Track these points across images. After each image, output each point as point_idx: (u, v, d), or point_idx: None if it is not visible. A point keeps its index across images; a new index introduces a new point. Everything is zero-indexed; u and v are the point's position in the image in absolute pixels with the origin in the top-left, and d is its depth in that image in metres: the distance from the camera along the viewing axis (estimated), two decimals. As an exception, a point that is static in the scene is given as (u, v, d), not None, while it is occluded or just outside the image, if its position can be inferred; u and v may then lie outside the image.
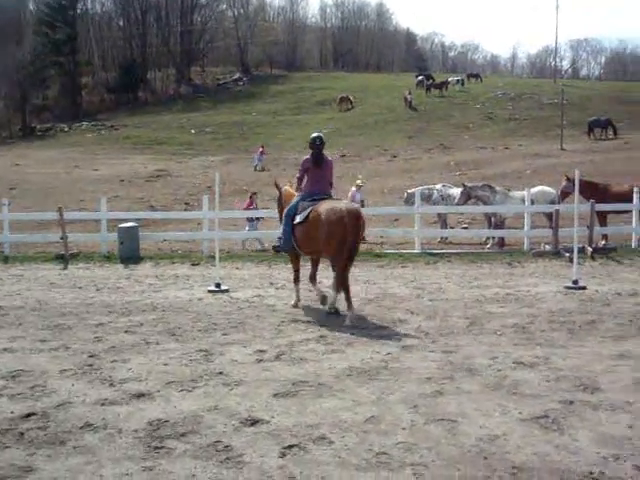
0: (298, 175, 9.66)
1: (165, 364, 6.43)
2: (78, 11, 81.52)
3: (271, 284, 11.67)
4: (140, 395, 5.49)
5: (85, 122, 63.21)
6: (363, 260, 14.37)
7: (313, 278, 9.79)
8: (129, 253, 14.90)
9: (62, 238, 15.35)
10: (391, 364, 6.40)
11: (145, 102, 72.93)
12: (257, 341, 7.35)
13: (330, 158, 9.86)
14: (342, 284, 8.65)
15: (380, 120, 50.44)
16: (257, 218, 17.69)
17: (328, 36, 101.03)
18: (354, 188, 18.27)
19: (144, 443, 4.55)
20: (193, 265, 14.27)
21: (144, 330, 7.98)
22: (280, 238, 9.67)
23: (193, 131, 53.21)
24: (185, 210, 23.37)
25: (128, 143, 50.04)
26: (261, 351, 6.89)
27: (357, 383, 5.83)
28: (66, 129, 61.60)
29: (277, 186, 10.66)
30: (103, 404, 5.29)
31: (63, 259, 14.91)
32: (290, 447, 4.50)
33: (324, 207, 8.64)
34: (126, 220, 16.18)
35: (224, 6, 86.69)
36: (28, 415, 5.08)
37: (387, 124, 49.20)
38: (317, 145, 9.45)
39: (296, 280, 9.79)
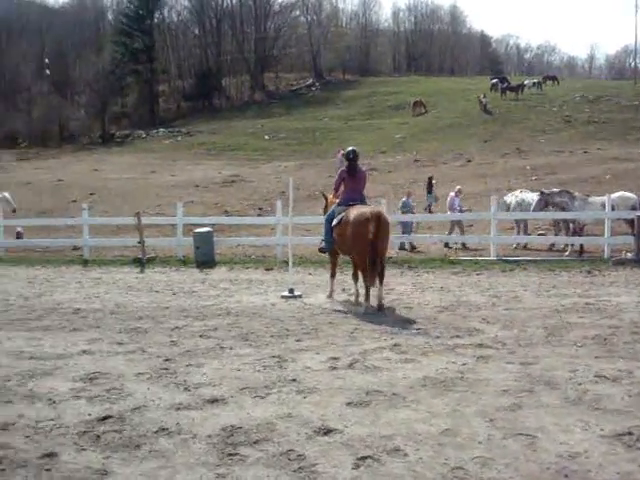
0: (335, 185, 10.90)
1: (239, 369, 6.44)
2: (155, 20, 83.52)
3: (343, 290, 11.61)
4: (214, 400, 5.50)
5: (162, 129, 64.69)
6: (437, 267, 14.19)
7: (355, 276, 10.39)
8: (204, 258, 15.13)
9: (139, 242, 15.72)
10: (467, 375, 6.24)
11: (220, 109, 74.10)
12: (330, 348, 7.29)
13: (364, 169, 11.13)
14: (379, 276, 9.65)
15: (454, 124, 49.84)
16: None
17: (401, 40, 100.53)
18: (452, 193, 18.05)
19: (218, 449, 4.54)
20: (267, 270, 14.37)
21: (218, 335, 8.03)
22: (323, 240, 10.88)
23: (267, 137, 53.73)
24: (258, 215, 23.60)
25: (203, 149, 50.92)
26: (334, 358, 6.82)
27: (432, 394, 5.69)
28: (143, 136, 63.16)
29: (324, 195, 12.23)
30: (178, 408, 5.32)
31: (140, 263, 15.26)
32: (364, 458, 4.41)
33: (353, 212, 9.77)
34: (201, 225, 16.44)
35: (297, 13, 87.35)
36: (105, 418, 5.14)
37: (461, 128, 48.56)
38: (351, 158, 10.59)
39: (333, 275, 11.15)
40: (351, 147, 11.00)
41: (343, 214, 9.97)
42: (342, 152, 37.49)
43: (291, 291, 10.94)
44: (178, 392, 5.76)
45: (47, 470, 4.23)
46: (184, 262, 15.39)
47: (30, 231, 22.15)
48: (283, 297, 10.81)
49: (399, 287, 11.85)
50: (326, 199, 11.78)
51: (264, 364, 6.62)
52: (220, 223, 19.38)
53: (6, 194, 20.61)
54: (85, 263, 15.92)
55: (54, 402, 5.53)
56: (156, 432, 4.84)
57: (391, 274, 13.58)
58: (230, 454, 4.47)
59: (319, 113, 61.85)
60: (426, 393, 5.71)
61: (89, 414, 5.23)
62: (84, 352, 7.24)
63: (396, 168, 36.19)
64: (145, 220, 16.74)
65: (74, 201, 30.15)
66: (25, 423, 5.04)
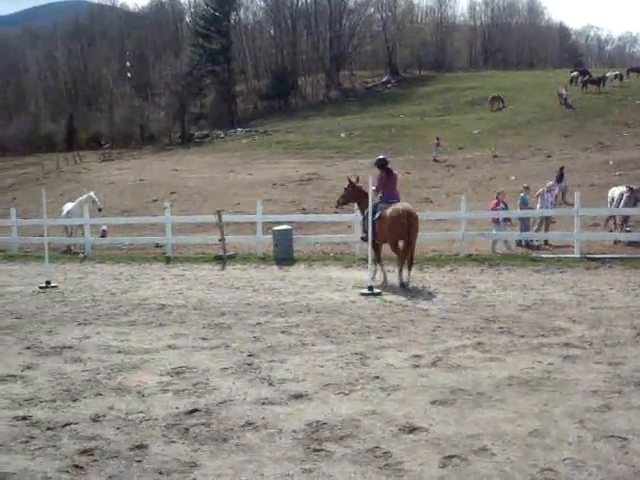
0: (375, 186, 12.40)
1: (321, 366, 6.46)
2: (231, 22, 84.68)
3: (424, 287, 11.52)
4: (298, 396, 5.54)
5: (239, 128, 65.62)
6: (519, 265, 13.91)
7: (378, 260, 12.58)
8: (283, 255, 15.27)
9: (220, 240, 15.96)
10: (554, 375, 6.08)
11: (296, 108, 74.65)
12: (412, 346, 7.23)
13: (396, 173, 13.18)
14: (409, 261, 11.83)
15: (533, 119, 48.70)
16: (505, 219, 17.16)
17: (478, 34, 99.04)
18: (542, 189, 17.75)
19: (303, 445, 4.57)
20: (345, 267, 14.37)
21: (300, 331, 8.08)
22: (365, 231, 12.31)
23: (342, 134, 53.75)
24: (335, 213, 23.61)
25: (280, 148, 51.33)
26: (417, 356, 6.77)
27: (518, 394, 5.57)
28: (222, 135, 64.21)
29: (350, 181, 13.73)
30: (263, 403, 5.38)
31: (221, 260, 15.49)
32: (450, 457, 4.36)
33: (390, 208, 11.91)
34: (280, 223, 16.57)
35: (372, 10, 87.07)
36: (192, 411, 5.24)
37: (541, 123, 47.39)
38: (381, 165, 12.78)
39: (379, 261, 12.66)
40: (382, 155, 13.42)
41: (382, 210, 11.96)
42: (440, 141, 38.25)
43: (370, 288, 10.91)
44: (263, 387, 5.82)
45: (138, 461, 4.34)
46: (264, 259, 15.56)
47: (114, 229, 22.82)
48: (362, 294, 10.79)
49: (480, 285, 11.66)
50: (352, 185, 13.46)
51: (346, 361, 6.63)
52: (298, 221, 19.50)
53: (92, 194, 21.27)
54: (168, 260, 16.29)
55: (143, 395, 5.67)
56: (242, 426, 4.90)
57: (471, 272, 13.42)
58: (316, 450, 4.48)
59: (395, 110, 61.50)
60: (512, 393, 5.60)
61: (177, 407, 5.34)
62: (170, 347, 7.41)
63: (474, 164, 35.63)
64: (225, 218, 16.97)
65: (155, 200, 30.90)
66: (115, 415, 5.19)
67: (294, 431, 4.79)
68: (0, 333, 8.41)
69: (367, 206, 12.07)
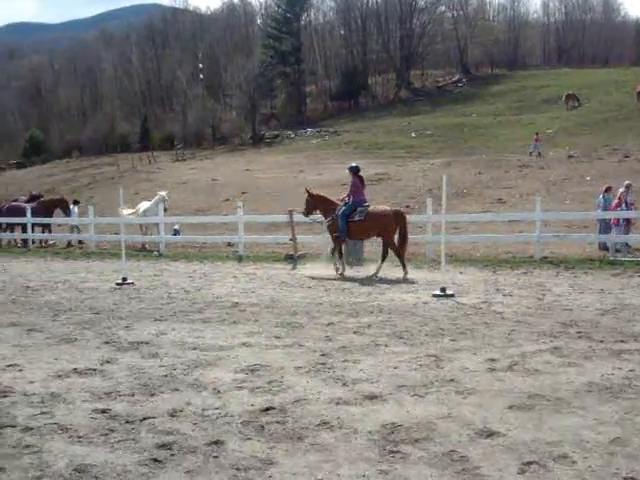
0: (349, 190, 14.14)
1: (395, 367, 6.42)
2: (302, 22, 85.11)
3: (497, 290, 11.32)
4: (373, 397, 5.50)
5: (309, 129, 65.94)
6: (596, 268, 13.55)
7: (334, 251, 14.11)
8: (354, 255, 15.25)
9: (291, 239, 16.06)
10: (635, 382, 5.87)
11: (366, 107, 74.54)
12: (487, 349, 7.11)
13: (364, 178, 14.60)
14: (403, 255, 13.61)
15: (610, 118, 47.38)
16: (626, 220, 16.32)
17: (551, 31, 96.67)
18: (622, 189, 17.26)
19: (379, 446, 4.53)
20: (416, 268, 14.26)
21: (372, 332, 8.05)
22: (340, 232, 13.79)
23: (413, 134, 53.42)
24: (405, 213, 23.48)
25: (350, 148, 51.37)
26: (492, 360, 6.65)
27: (598, 400, 5.40)
28: (292, 136, 64.65)
29: (308, 192, 15.05)
30: (337, 403, 5.37)
31: (292, 259, 15.58)
32: (529, 463, 4.25)
33: (378, 209, 13.89)
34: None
35: (443, 8, 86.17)
36: (267, 409, 5.26)
37: (617, 122, 46.08)
38: (357, 171, 14.20)
39: (339, 253, 14.04)
40: (354, 163, 14.89)
41: (367, 212, 13.58)
42: (537, 137, 38.24)
43: (443, 290, 10.79)
44: (336, 387, 5.81)
45: (215, 457, 4.38)
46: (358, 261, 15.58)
47: (187, 228, 23.26)
48: (435, 296, 10.68)
49: (556, 288, 11.40)
50: (311, 196, 14.85)
51: (420, 363, 6.56)
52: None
53: (163, 193, 21.73)
54: (240, 259, 16.51)
55: (218, 392, 5.74)
56: (317, 425, 4.90)
57: (547, 275, 13.15)
58: (392, 451, 4.44)
59: (467, 109, 60.77)
60: (592, 399, 5.44)
61: (252, 404, 5.38)
62: (244, 344, 7.48)
63: (548, 164, 34.87)
64: (296, 218, 17.08)
65: (227, 200, 31.38)
66: (192, 410, 5.26)
67: (369, 432, 4.76)
68: (79, 327, 8.64)
69: (329, 210, 14.21)
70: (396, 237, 13.78)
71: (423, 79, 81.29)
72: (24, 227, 23.93)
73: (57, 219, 24.57)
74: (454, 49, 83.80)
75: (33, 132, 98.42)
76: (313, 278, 13.49)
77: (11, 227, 25.04)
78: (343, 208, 13.84)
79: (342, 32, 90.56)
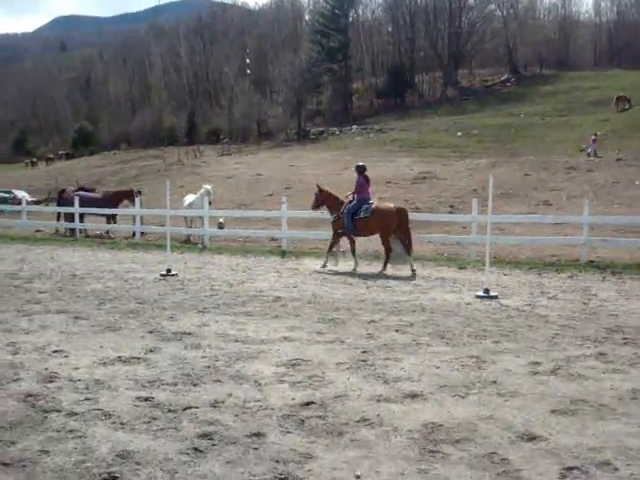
0: (354, 189, 14.57)
1: (437, 367, 6.39)
2: (350, 19, 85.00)
3: (542, 293, 11.18)
4: (414, 395, 5.49)
5: (354, 126, 65.89)
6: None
7: (353, 252, 14.77)
8: (398, 257, 15.18)
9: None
10: (681, 390, 5.77)
11: (412, 106, 74.20)
12: (530, 352, 7.03)
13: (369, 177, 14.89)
14: (409, 252, 14.08)
15: (662, 121, 46.37)
16: None
17: (603, 32, 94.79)
18: None
19: (419, 445, 4.52)
20: (460, 269, 14.17)
21: (414, 330, 8.02)
22: (343, 227, 14.44)
23: (459, 134, 53.01)
24: (450, 213, 23.34)
25: (395, 146, 51.19)
26: (535, 363, 6.57)
27: (644, 407, 5.32)
28: (337, 132, 64.69)
29: (319, 187, 15.68)
30: (378, 400, 5.36)
31: (335, 256, 15.59)
32: (571, 469, 4.19)
33: (382, 206, 14.40)
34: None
35: (493, 6, 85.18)
36: (308, 403, 5.28)
37: (671, 125, 45.08)
38: (364, 170, 14.64)
39: (332, 247, 14.75)
40: (360, 162, 15.36)
41: (372, 209, 14.11)
42: (595, 137, 37.89)
43: (486, 291, 10.70)
44: (377, 384, 5.81)
45: (255, 449, 4.41)
46: (376, 257, 15.55)
47: (231, 222, 23.44)
48: (478, 297, 10.59)
49: (602, 293, 11.21)
50: (321, 191, 15.44)
51: (462, 363, 6.52)
52: (412, 220, 19.32)
53: (209, 187, 21.93)
54: (283, 254, 16.58)
55: (260, 384, 5.78)
56: (358, 422, 4.90)
57: (592, 279, 12.94)
58: (432, 451, 4.43)
59: (514, 109, 60.03)
60: (636, 406, 5.35)
61: (293, 398, 5.40)
62: (285, 339, 7.51)
63: (597, 167, 34.28)
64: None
65: (270, 195, 31.54)
66: (233, 402, 5.31)
67: (409, 430, 4.75)
68: (124, 317, 8.78)
69: (335, 207, 14.83)
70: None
71: (471, 78, 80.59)
72: (108, 217, 24.35)
73: (117, 210, 24.74)
74: (503, 48, 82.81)
75: (82, 124, 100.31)
76: (319, 272, 13.91)
77: (80, 217, 25.24)
78: (349, 205, 14.40)
79: (390, 29, 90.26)
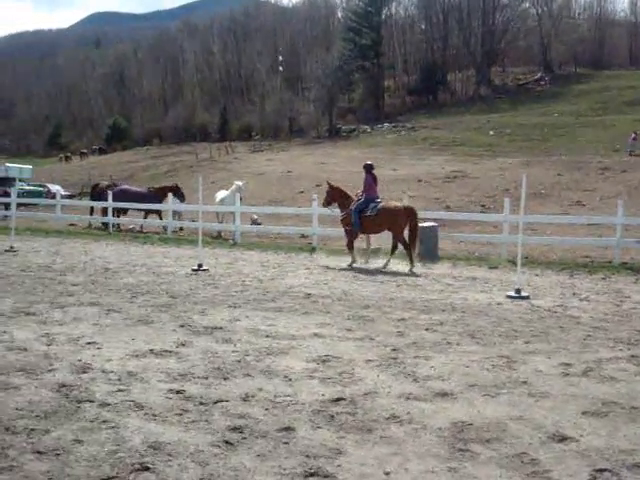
0: (363, 187, 14.90)
1: (467, 366, 6.37)
2: (382, 17, 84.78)
3: (574, 294, 11.08)
4: (443, 394, 5.48)
5: (386, 123, 65.78)
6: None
7: (350, 245, 14.98)
8: (428, 252, 15.17)
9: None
10: None
11: (444, 104, 73.83)
12: (562, 353, 6.97)
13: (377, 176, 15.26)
14: (412, 249, 14.11)
15: (699, 122, 45.57)
16: None
17: (639, 31, 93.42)
18: None
19: (448, 443, 4.52)
20: (491, 268, 14.09)
21: (444, 329, 8.00)
22: (352, 224, 14.74)
23: (491, 132, 52.65)
24: (481, 212, 23.20)
25: (426, 144, 51.00)
26: (566, 364, 6.52)
27: (677, 411, 5.25)
28: (368, 130, 64.64)
29: (329, 184, 15.92)
30: (408, 398, 5.36)
31: (365, 254, 15.61)
32: (601, 471, 4.16)
33: (390, 205, 14.57)
34: (425, 220, 16.48)
35: (527, 4, 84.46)
36: (338, 399, 5.29)
37: None
38: (372, 169, 15.00)
39: (351, 247, 14.93)
40: (369, 162, 15.58)
41: (380, 207, 14.40)
42: (635, 135, 37.53)
43: (518, 291, 10.62)
44: (407, 382, 5.81)
45: (285, 443, 4.44)
46: (404, 257, 15.53)
47: (261, 218, 23.54)
48: (509, 297, 10.53)
49: (635, 295, 11.08)
50: (331, 187, 15.66)
51: (492, 363, 6.49)
52: (442, 219, 19.29)
53: (240, 183, 22.06)
54: (313, 250, 16.63)
55: (290, 379, 5.81)
56: (387, 419, 4.91)
57: (625, 281, 12.81)
58: (461, 449, 4.42)
59: (548, 108, 59.43)
60: (670, 410, 5.28)
61: (323, 394, 5.42)
62: (315, 335, 7.54)
63: (631, 167, 33.81)
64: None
65: (301, 192, 31.61)
66: (264, 396, 5.34)
67: (439, 429, 4.75)
68: (156, 310, 8.87)
69: (345, 204, 15.11)
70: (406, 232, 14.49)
71: (504, 76, 79.98)
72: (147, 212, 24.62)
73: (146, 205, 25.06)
74: (537, 46, 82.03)
75: (116, 119, 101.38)
76: (348, 270, 14.10)
77: (124, 211, 25.53)
78: (357, 203, 14.76)
79: (423, 27, 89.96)
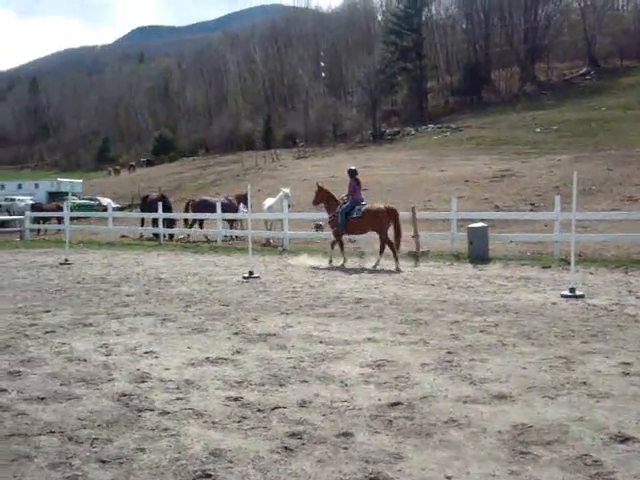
0: (348, 191, 15.89)
1: (524, 368, 6.30)
2: (423, 17, 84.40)
3: (630, 292, 10.86)
4: (501, 397, 5.43)
5: (430, 125, 65.40)
6: None
7: (333, 245, 16.03)
8: (478, 253, 15.05)
9: (414, 236, 16.02)
10: None
11: (488, 102, 73.09)
12: (621, 353, 6.84)
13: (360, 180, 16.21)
14: (395, 248, 14.88)
15: None
16: None
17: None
18: None
19: (509, 446, 4.47)
20: (543, 268, 13.89)
21: (499, 331, 7.92)
22: (339, 225, 15.58)
23: (538, 129, 51.92)
24: (530, 211, 22.90)
25: (472, 144, 50.54)
26: (626, 364, 6.39)
27: None
28: (412, 132, 64.35)
29: (319, 186, 16.91)
30: (465, 402, 5.33)
31: (414, 256, 15.56)
32: (667, 471, 4.09)
33: (374, 207, 15.35)
34: (474, 220, 16.36)
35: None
36: (395, 404, 5.28)
37: None
38: (355, 174, 15.97)
39: (339, 245, 15.96)
40: (352, 167, 16.59)
41: (364, 209, 15.24)
42: None
43: (572, 290, 10.45)
44: (464, 385, 5.77)
45: (344, 448, 4.45)
46: (457, 257, 15.44)
47: (308, 224, 23.53)
48: (564, 296, 10.37)
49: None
50: (320, 188, 16.70)
51: (550, 364, 6.40)
52: (492, 219, 19.09)
53: (287, 190, 22.17)
54: (361, 255, 16.60)
55: (346, 385, 5.82)
56: (446, 422, 4.88)
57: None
58: (522, 452, 4.37)
59: (595, 103, 58.34)
60: None
61: (379, 399, 5.42)
62: (369, 340, 7.54)
63: (685, 161, 32.98)
64: (418, 215, 17.02)
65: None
66: (321, 402, 5.37)
67: (499, 432, 4.70)
68: (210, 318, 8.98)
69: (332, 206, 16.00)
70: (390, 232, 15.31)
71: (548, 72, 78.73)
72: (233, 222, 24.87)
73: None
74: (581, 40, 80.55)
75: (162, 131, 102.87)
76: (316, 268, 15.03)
77: (200, 222, 25.68)
78: (344, 206, 15.63)
79: (464, 26, 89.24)
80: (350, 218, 15.42)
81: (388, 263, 14.89)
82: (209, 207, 24.25)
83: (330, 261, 15.63)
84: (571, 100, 62.00)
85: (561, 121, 53.02)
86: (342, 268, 15.01)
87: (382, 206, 15.49)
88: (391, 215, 15.15)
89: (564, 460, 4.25)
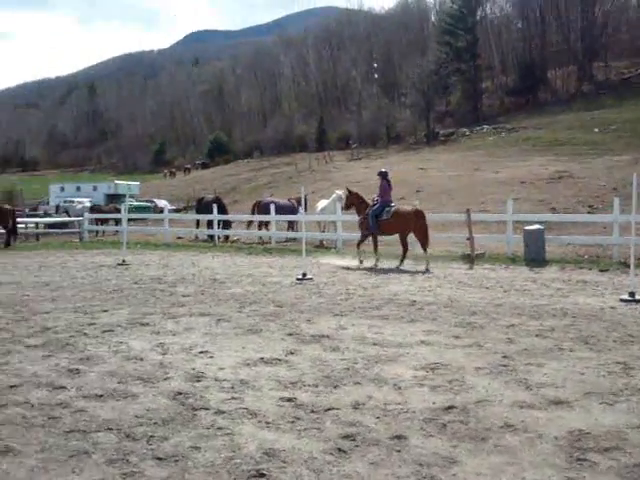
0: (379, 192, 16.23)
1: (581, 373, 6.18)
2: (477, 17, 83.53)
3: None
4: (558, 402, 5.34)
5: (485, 125, 64.68)
6: None
7: (359, 245, 16.60)
8: (534, 256, 14.84)
9: (469, 239, 15.88)
10: None
11: (544, 102, 71.90)
12: (682, 359, 6.67)
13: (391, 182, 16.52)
14: (425, 249, 15.35)
15: None
16: None
17: None
18: None
19: (565, 452, 4.40)
20: (601, 271, 13.61)
21: (556, 335, 7.79)
22: (369, 227, 16.09)
23: (596, 130, 50.85)
24: (588, 213, 22.46)
25: (528, 145, 49.81)
26: (688, 370, 6.24)
27: None
28: (467, 133, 63.75)
29: (348, 190, 18.21)
30: (521, 406, 5.26)
31: (469, 259, 15.41)
32: None
33: (402, 209, 15.90)
34: (530, 222, 16.13)
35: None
36: (449, 407, 5.24)
37: None
38: (386, 175, 16.26)
39: (373, 246, 16.40)
40: (384, 169, 17.07)
41: (393, 211, 15.65)
42: None
43: (632, 295, 10.22)
44: (519, 390, 5.70)
45: (397, 451, 4.43)
46: (513, 260, 15.24)
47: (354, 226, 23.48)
48: (623, 301, 10.14)
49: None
50: (350, 192, 17.64)
51: (608, 370, 6.28)
52: (549, 221, 18.78)
53: (340, 192, 22.20)
54: (415, 257, 16.52)
55: (399, 387, 5.81)
56: (501, 427, 4.83)
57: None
58: (579, 459, 4.30)
59: (656, 102, 56.85)
60: None
61: (433, 402, 5.39)
62: (423, 342, 7.50)
63: None
64: (473, 217, 16.86)
65: (402, 198, 31.35)
66: (374, 404, 5.36)
67: (555, 437, 4.63)
68: (264, 319, 9.05)
69: (362, 209, 16.49)
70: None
71: (607, 71, 76.99)
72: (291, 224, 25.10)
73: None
74: (640, 38, 78.62)
75: (217, 134, 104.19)
76: (343, 267, 15.55)
77: (266, 224, 25.70)
78: (374, 208, 16.01)
79: (519, 25, 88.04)
80: (380, 220, 15.81)
81: (438, 266, 14.78)
82: (277, 209, 24.37)
83: (361, 262, 16.02)
84: (630, 99, 60.49)
85: (620, 121, 51.81)
86: (396, 270, 15.01)
87: (410, 208, 16.02)
88: (418, 217, 15.48)
89: (622, 468, 4.17)
